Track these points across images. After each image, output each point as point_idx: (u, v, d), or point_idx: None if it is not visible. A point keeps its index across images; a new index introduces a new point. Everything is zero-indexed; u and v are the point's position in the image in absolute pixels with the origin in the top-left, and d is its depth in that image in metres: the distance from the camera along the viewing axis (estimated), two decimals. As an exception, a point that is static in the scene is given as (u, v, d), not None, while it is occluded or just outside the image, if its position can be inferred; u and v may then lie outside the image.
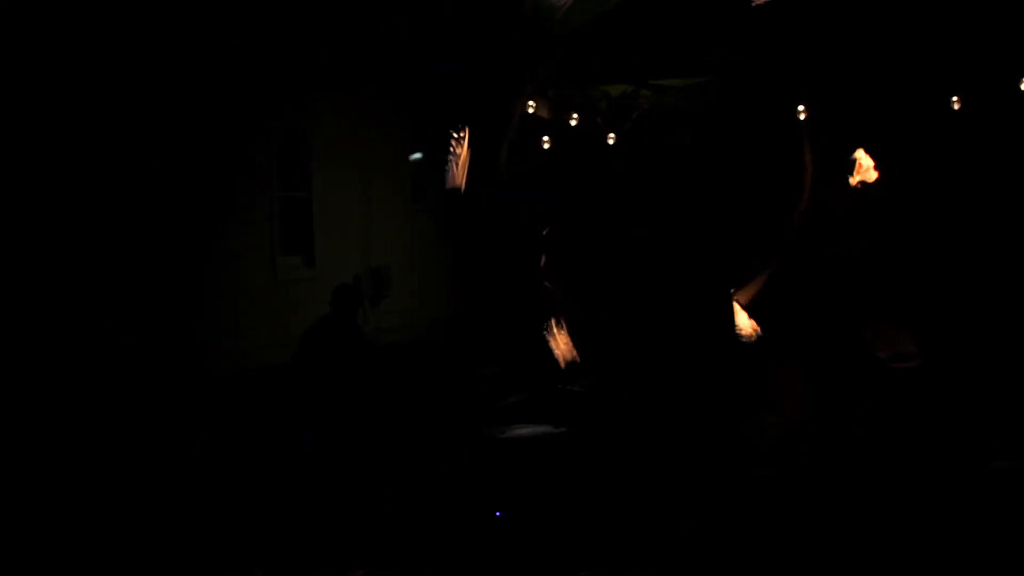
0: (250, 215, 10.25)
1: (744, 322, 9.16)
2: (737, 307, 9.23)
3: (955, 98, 10.23)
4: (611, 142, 12.12)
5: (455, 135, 8.42)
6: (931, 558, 6.23)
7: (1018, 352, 9.24)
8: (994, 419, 8.43)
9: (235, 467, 7.94)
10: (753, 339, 9.07)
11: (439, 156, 12.61)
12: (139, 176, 8.91)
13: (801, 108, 10.17)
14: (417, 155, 12.65)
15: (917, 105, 10.49)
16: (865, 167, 9.07)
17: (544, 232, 10.54)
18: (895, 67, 10.03)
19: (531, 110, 11.24)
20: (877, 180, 9.12)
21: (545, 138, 11.97)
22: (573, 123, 11.76)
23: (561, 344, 9.27)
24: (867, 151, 9.22)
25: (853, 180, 9.10)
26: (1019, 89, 9.73)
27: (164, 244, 9.16)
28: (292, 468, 8.01)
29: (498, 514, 8.41)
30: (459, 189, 8.54)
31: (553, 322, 9.36)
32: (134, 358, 8.51)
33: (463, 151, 8.54)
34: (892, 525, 6.77)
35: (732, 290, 9.49)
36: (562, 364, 9.28)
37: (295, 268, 10.86)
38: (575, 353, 9.26)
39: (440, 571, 6.65)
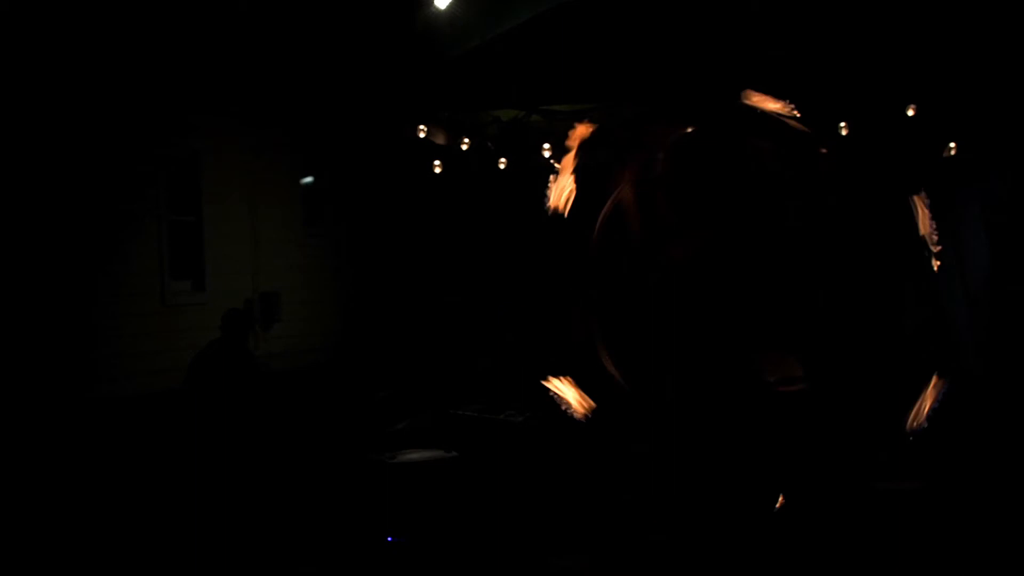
0: (139, 239, 10.11)
1: None
2: None
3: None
4: (502, 167, 12.22)
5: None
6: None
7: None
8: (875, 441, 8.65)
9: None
10: None
11: (330, 181, 12.70)
12: (25, 194, 8.77)
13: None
14: (308, 179, 12.61)
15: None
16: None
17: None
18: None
19: (422, 135, 11.31)
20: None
21: (436, 163, 12.03)
22: (464, 147, 11.86)
23: (574, 393, 8.86)
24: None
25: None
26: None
27: (49, 267, 9.00)
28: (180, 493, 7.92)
29: (390, 539, 8.40)
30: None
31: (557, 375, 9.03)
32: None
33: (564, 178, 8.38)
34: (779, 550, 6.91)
35: None
36: (581, 414, 8.86)
37: (185, 293, 10.73)
38: (590, 401, 8.90)
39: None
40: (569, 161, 8.51)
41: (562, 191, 8.46)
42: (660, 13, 10.01)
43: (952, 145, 10.73)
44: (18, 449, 7.90)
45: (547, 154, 11.61)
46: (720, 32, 9.98)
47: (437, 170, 11.94)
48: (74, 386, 8.96)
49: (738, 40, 9.92)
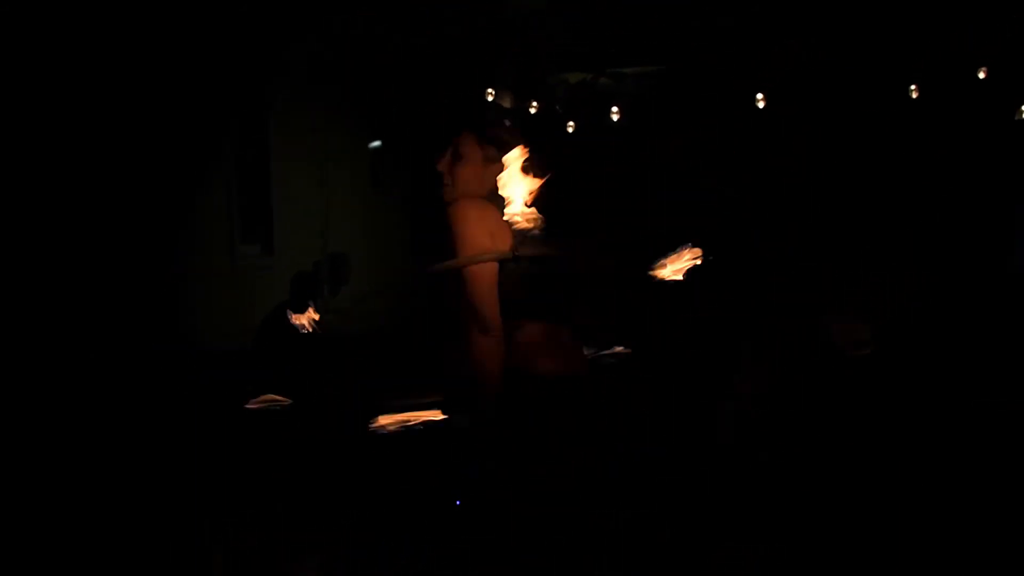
0: (210, 198, 10.22)
1: None
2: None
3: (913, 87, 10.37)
4: (570, 130, 12.16)
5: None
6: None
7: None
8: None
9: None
10: None
11: (397, 144, 12.72)
12: (101, 168, 8.88)
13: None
14: (376, 143, 12.64)
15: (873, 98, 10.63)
16: None
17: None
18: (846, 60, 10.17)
19: (490, 97, 11.27)
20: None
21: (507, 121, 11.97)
22: (532, 111, 11.81)
23: None
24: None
25: None
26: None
27: (128, 237, 9.12)
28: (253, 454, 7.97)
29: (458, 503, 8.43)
30: None
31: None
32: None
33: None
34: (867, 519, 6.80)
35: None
36: None
37: (255, 255, 10.84)
38: None
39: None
40: None
41: None
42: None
43: None
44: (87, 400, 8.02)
45: (615, 117, 11.54)
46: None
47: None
48: (147, 339, 9.08)
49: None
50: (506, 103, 11.39)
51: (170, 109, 9.64)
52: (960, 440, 7.93)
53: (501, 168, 3.70)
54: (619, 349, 4.29)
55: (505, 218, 3.76)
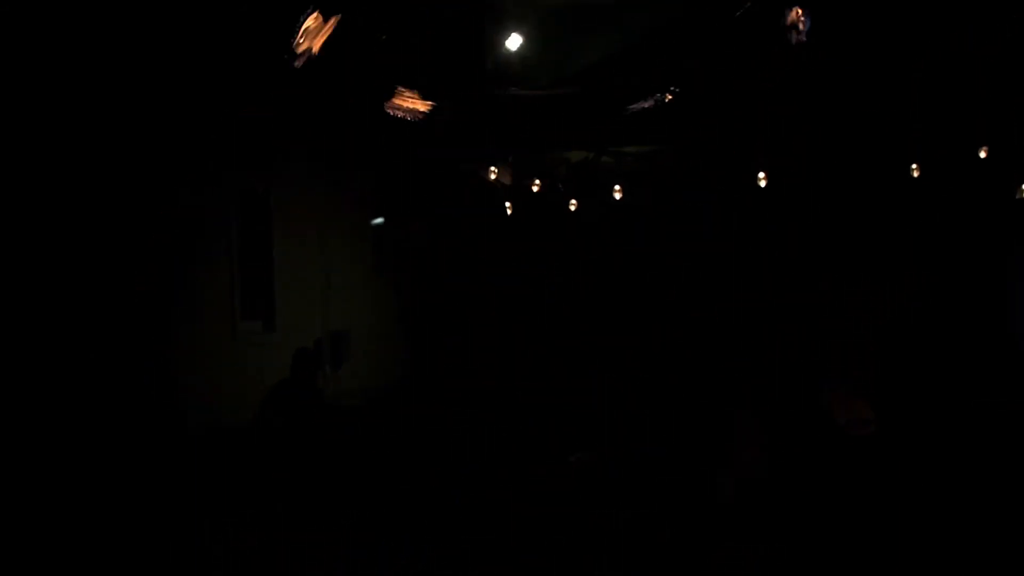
0: (212, 275, 10.23)
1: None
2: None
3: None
4: (572, 208, 12.24)
5: None
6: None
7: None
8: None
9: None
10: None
11: (398, 221, 12.77)
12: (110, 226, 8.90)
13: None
14: (378, 220, 12.70)
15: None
16: None
17: None
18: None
19: (492, 176, 11.34)
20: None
21: (507, 204, 12.09)
22: (535, 188, 11.88)
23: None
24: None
25: None
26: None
27: (131, 311, 9.11)
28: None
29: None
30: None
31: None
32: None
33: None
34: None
35: None
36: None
37: (256, 333, 10.81)
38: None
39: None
40: None
41: None
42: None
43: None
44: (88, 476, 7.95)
45: (618, 196, 11.61)
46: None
47: (508, 211, 11.98)
48: (145, 417, 9.02)
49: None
50: (506, 180, 11.46)
51: (173, 185, 9.68)
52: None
53: None
54: None
55: None
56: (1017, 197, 10.72)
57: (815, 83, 9.20)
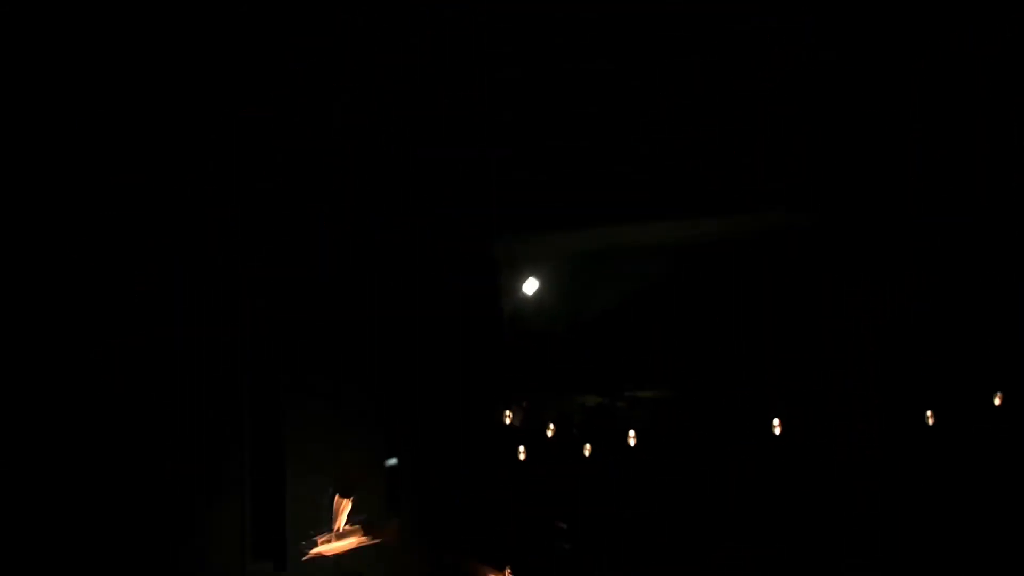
0: (221, 512, 10.17)
1: None
2: None
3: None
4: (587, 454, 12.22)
5: None
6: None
7: None
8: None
9: None
10: None
11: (412, 461, 12.71)
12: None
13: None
14: (392, 461, 12.67)
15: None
16: None
17: None
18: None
19: (507, 420, 11.39)
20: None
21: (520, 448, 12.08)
22: (549, 433, 11.89)
23: None
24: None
25: None
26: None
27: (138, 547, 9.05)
28: None
29: None
30: None
31: None
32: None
33: None
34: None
35: None
36: None
37: (266, 574, 10.66)
38: None
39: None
40: None
41: None
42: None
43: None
44: None
45: (632, 442, 11.60)
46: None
47: (521, 456, 11.95)
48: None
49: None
50: (516, 422, 11.50)
51: (188, 406, 9.77)
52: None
53: None
54: None
55: None
56: None
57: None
